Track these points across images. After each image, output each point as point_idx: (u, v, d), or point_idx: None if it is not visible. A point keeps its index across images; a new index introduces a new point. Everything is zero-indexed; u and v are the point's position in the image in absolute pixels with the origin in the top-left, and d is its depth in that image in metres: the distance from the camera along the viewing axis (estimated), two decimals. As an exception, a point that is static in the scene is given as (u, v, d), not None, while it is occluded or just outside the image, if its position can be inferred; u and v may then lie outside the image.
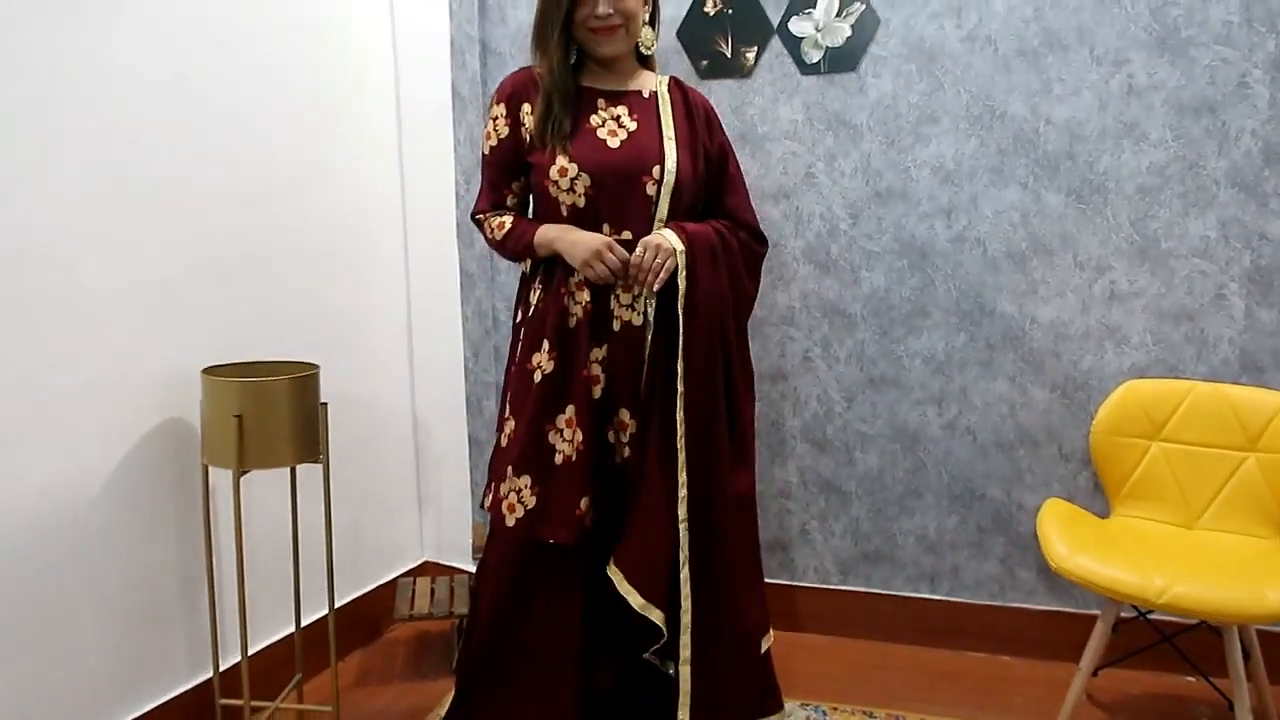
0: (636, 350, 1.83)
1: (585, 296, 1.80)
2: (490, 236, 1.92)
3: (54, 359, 1.71)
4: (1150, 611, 2.07)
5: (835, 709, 2.20)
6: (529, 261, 1.89)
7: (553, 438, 1.79)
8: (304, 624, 2.17)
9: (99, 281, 1.79)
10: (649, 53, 1.92)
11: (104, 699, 1.85)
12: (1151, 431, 2.14)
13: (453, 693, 1.97)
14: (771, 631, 2.02)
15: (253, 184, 2.12)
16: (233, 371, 1.93)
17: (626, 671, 1.94)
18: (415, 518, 2.79)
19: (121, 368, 1.84)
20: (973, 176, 2.33)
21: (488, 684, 1.90)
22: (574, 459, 1.77)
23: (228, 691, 1.98)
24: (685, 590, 1.80)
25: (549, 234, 1.82)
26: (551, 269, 1.84)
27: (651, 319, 1.82)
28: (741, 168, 2.03)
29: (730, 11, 2.43)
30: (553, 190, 1.80)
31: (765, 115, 2.45)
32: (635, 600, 1.78)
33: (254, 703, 1.92)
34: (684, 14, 2.47)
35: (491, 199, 1.92)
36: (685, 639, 1.81)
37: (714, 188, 1.93)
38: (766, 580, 2.18)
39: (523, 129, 1.84)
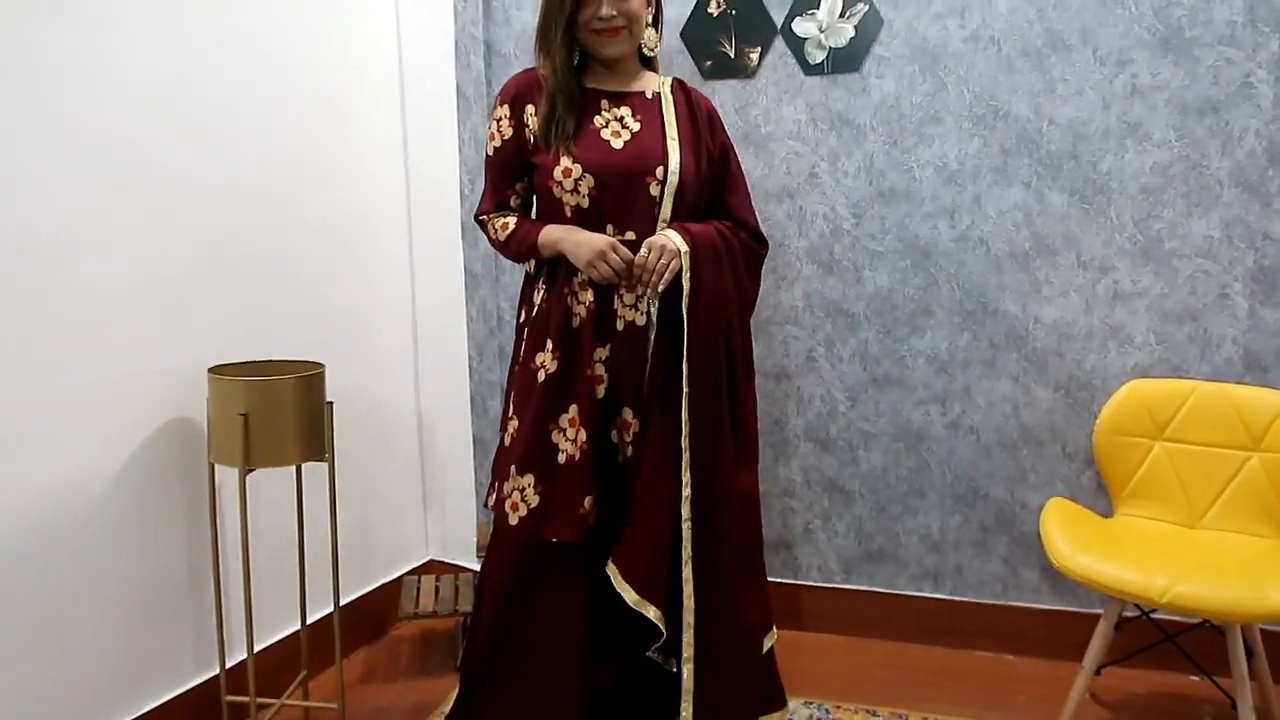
0: (640, 350, 1.84)
1: (589, 296, 1.81)
2: (494, 237, 1.93)
3: (60, 358, 1.73)
4: (1153, 610, 2.08)
5: (839, 707, 2.21)
6: (533, 262, 1.90)
7: (556, 437, 1.80)
8: (309, 621, 2.18)
9: (105, 281, 1.80)
10: (652, 54, 1.92)
11: (111, 695, 1.86)
12: (1155, 431, 2.14)
13: (456, 690, 1.98)
14: (775, 629, 2.03)
15: (258, 184, 2.13)
16: (239, 371, 1.94)
17: (631, 671, 1.95)
18: (420, 516, 2.80)
19: (128, 367, 1.85)
20: (976, 176, 2.33)
21: (491, 682, 1.91)
22: (577, 458, 1.78)
23: (234, 688, 1.99)
24: (688, 589, 1.81)
25: (553, 234, 1.82)
26: (555, 269, 1.85)
27: (654, 319, 1.83)
28: (744, 168, 2.04)
29: (734, 12, 2.43)
30: (557, 191, 1.81)
31: (769, 115, 2.46)
32: (630, 597, 1.79)
33: (260, 699, 1.93)
34: (688, 15, 2.47)
35: (495, 200, 1.93)
36: (688, 637, 1.82)
37: (716, 188, 1.94)
38: (770, 579, 2.18)
39: (526, 130, 1.85)
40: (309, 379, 1.87)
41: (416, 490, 2.78)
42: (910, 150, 2.37)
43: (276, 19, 2.16)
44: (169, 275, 1.93)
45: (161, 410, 1.92)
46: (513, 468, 1.81)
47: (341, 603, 2.07)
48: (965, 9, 2.28)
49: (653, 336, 1.83)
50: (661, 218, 1.83)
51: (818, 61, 2.40)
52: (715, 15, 2.45)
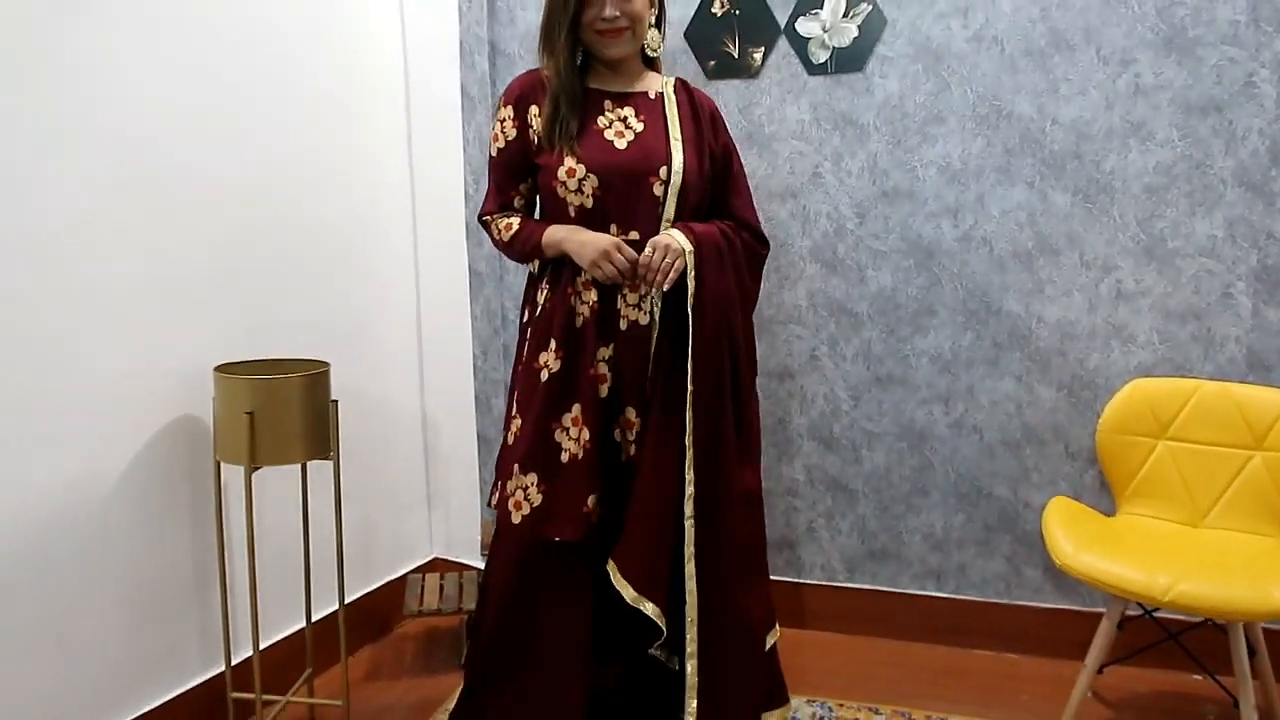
0: (643, 349, 1.84)
1: (592, 296, 1.82)
2: (497, 238, 1.93)
3: (67, 357, 1.74)
4: (1156, 609, 2.08)
5: (842, 705, 2.22)
6: (537, 262, 1.91)
7: (559, 436, 1.80)
8: (315, 619, 2.19)
9: (112, 280, 1.81)
10: (655, 55, 1.93)
11: (118, 691, 1.88)
12: (1158, 430, 2.14)
13: (460, 688, 1.99)
14: (778, 627, 2.03)
15: (264, 183, 2.14)
16: (244, 369, 1.95)
17: (633, 669, 1.96)
18: (424, 514, 2.81)
19: (134, 366, 1.87)
20: (979, 176, 2.34)
21: (494, 680, 1.91)
22: (580, 457, 1.79)
23: (239, 685, 2.01)
24: (691, 586, 1.82)
25: (557, 234, 1.83)
26: (559, 269, 1.85)
27: (658, 318, 1.84)
28: (748, 168, 2.04)
29: (737, 12, 2.44)
30: (561, 191, 1.82)
31: (772, 115, 2.47)
32: (628, 594, 1.79)
33: (265, 696, 1.95)
34: (691, 15, 2.48)
35: (499, 200, 1.94)
36: (692, 633, 1.83)
37: (718, 188, 1.94)
38: (773, 578, 2.19)
39: (530, 131, 1.86)
40: (314, 378, 1.88)
41: (421, 489, 2.79)
42: (913, 150, 2.37)
43: (281, 19, 2.17)
44: (175, 275, 1.94)
45: (167, 409, 1.93)
46: (516, 466, 1.82)
47: (346, 600, 2.08)
48: (969, 9, 2.29)
49: (655, 336, 1.84)
50: (665, 217, 1.83)
51: (821, 61, 2.40)
52: (719, 15, 2.46)
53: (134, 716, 1.90)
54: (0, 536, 1.65)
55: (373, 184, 2.51)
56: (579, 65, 1.85)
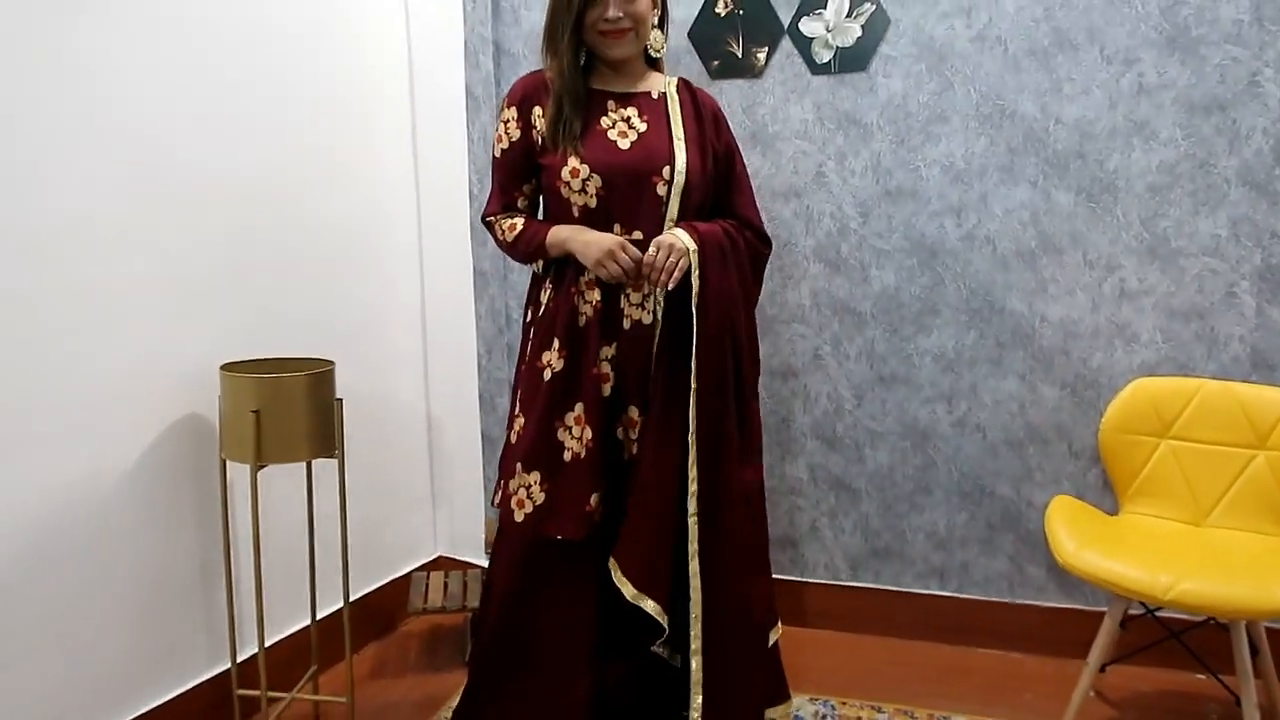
0: (646, 348, 1.85)
1: (595, 295, 1.83)
2: (501, 239, 1.94)
3: (74, 356, 1.75)
4: (1158, 608, 2.08)
5: (844, 704, 2.22)
6: (541, 261, 1.91)
7: (562, 435, 1.81)
8: (320, 616, 2.21)
9: (118, 279, 1.82)
10: (658, 55, 1.94)
11: (124, 688, 1.89)
12: (1161, 429, 2.15)
13: (464, 685, 2.00)
14: (780, 624, 2.04)
15: (269, 183, 2.15)
16: (250, 368, 1.96)
17: (637, 667, 1.97)
18: (429, 513, 2.82)
19: (141, 364, 1.88)
20: (983, 175, 2.34)
21: (498, 678, 1.92)
22: (583, 456, 1.80)
23: (245, 682, 2.02)
24: (695, 583, 1.83)
25: (561, 234, 1.84)
26: (563, 269, 1.86)
27: (661, 317, 1.84)
28: (751, 168, 2.05)
29: (741, 12, 2.45)
30: (564, 191, 1.83)
31: (776, 115, 2.47)
32: (628, 591, 1.80)
33: (271, 693, 1.96)
34: (695, 15, 2.49)
35: (502, 201, 1.94)
36: (696, 629, 1.84)
37: (721, 187, 1.95)
38: (777, 576, 2.20)
39: (534, 131, 1.87)
40: (319, 376, 1.89)
41: (425, 487, 2.80)
42: (917, 149, 2.38)
43: (286, 19, 2.18)
44: (181, 274, 1.95)
45: (173, 407, 1.95)
46: (518, 465, 1.83)
47: (351, 598, 2.09)
48: (972, 8, 2.29)
49: (658, 335, 1.85)
50: (668, 217, 1.84)
51: (825, 61, 2.41)
52: (723, 15, 2.46)
53: (140, 713, 1.91)
54: (6, 535, 1.66)
55: (377, 183, 2.52)
56: (582, 66, 1.86)
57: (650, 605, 1.80)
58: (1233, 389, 2.11)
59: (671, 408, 1.81)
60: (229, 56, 2.03)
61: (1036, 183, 2.30)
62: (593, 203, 1.82)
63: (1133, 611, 2.09)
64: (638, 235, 1.83)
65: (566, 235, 1.83)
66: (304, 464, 2.08)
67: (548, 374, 1.82)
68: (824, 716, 2.17)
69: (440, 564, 2.82)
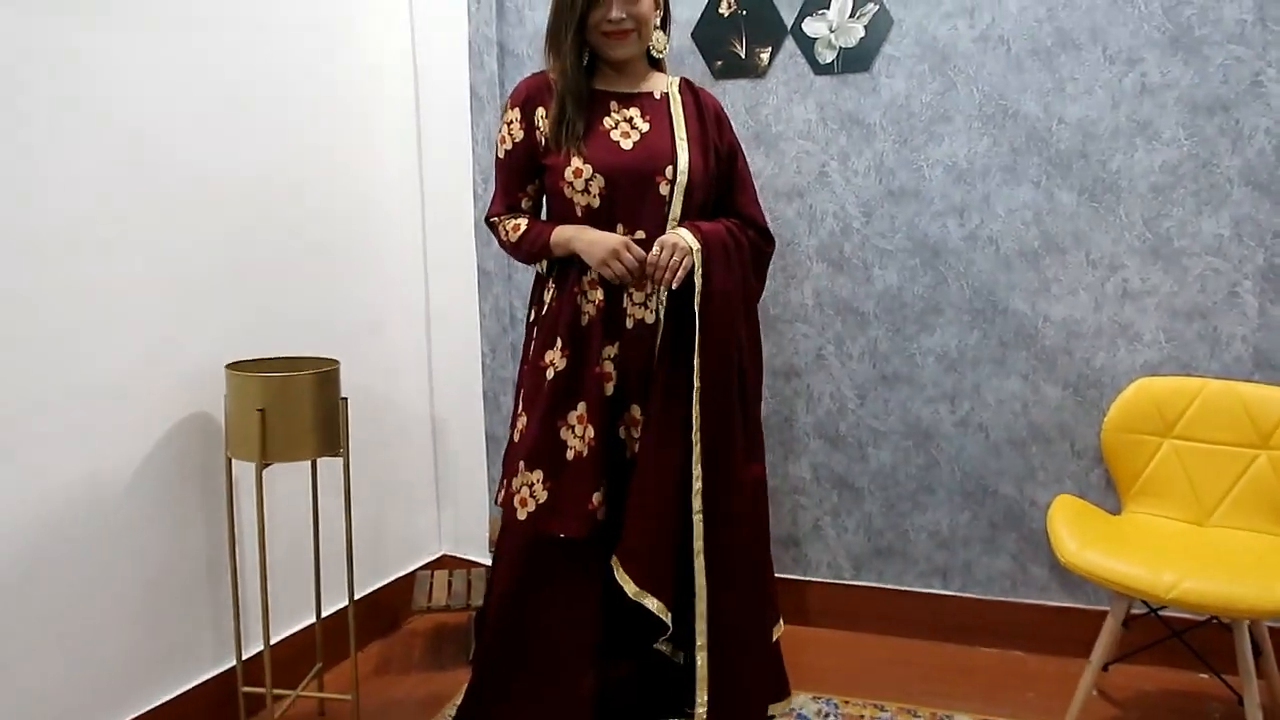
0: (649, 347, 1.86)
1: (598, 295, 1.84)
2: (505, 239, 1.95)
3: (80, 355, 1.76)
4: (1161, 607, 2.08)
5: (847, 702, 2.23)
6: (544, 261, 1.92)
7: (564, 433, 1.82)
8: (324, 614, 2.22)
9: (125, 279, 1.83)
10: (660, 56, 1.94)
11: (131, 685, 1.90)
12: (1163, 429, 2.15)
13: (468, 683, 2.01)
14: (781, 621, 2.05)
15: (274, 183, 2.16)
16: (256, 367, 1.97)
17: (641, 665, 1.98)
18: (433, 511, 2.83)
19: (147, 363, 1.89)
20: (985, 175, 2.34)
21: (501, 675, 1.93)
22: (585, 454, 1.80)
23: (251, 679, 2.03)
24: (700, 579, 1.84)
25: (565, 234, 1.85)
26: (566, 268, 1.87)
27: (663, 317, 1.85)
28: (755, 167, 2.06)
29: (744, 13, 2.45)
30: (568, 191, 1.84)
31: (779, 115, 2.48)
32: (629, 588, 1.81)
33: (276, 690, 1.96)
34: (699, 15, 2.49)
35: (506, 202, 1.95)
36: (701, 625, 1.85)
37: (724, 186, 1.96)
38: (780, 575, 2.20)
39: (537, 132, 1.88)
40: (324, 375, 1.90)
41: (430, 486, 2.81)
42: (920, 149, 2.38)
43: (291, 19, 2.19)
44: (188, 274, 1.96)
45: (179, 406, 1.96)
46: (521, 463, 1.84)
47: (356, 596, 2.10)
48: (975, 8, 2.29)
49: (660, 333, 1.86)
50: (671, 217, 1.85)
51: (828, 61, 2.41)
52: (726, 15, 2.47)
53: (146, 710, 1.92)
54: (13, 532, 1.67)
55: (382, 183, 2.53)
56: (585, 66, 1.87)
57: (652, 603, 1.81)
58: (1235, 389, 2.11)
59: (673, 406, 1.82)
60: (233, 57, 2.04)
61: (1039, 183, 2.31)
62: (596, 203, 1.83)
63: (1135, 611, 2.09)
64: (640, 235, 1.84)
65: (570, 235, 1.84)
66: (309, 463, 2.09)
67: (550, 373, 1.83)
68: (827, 715, 2.17)
69: (444, 562, 2.83)
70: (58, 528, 1.74)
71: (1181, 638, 2.16)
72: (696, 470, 1.82)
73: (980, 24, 2.29)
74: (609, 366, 1.85)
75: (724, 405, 1.84)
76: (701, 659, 1.85)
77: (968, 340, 2.42)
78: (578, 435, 1.81)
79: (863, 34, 2.37)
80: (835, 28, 2.39)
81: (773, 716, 2.07)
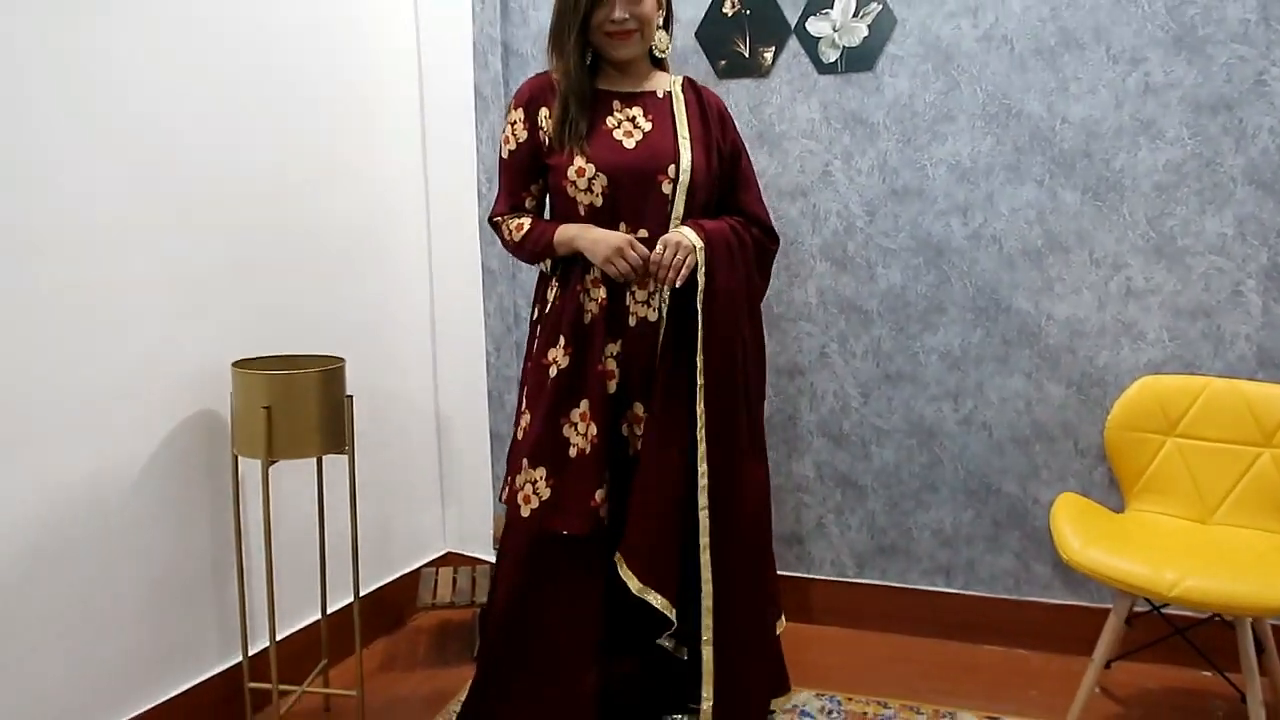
0: (651, 345, 1.87)
1: (601, 293, 1.84)
2: (508, 238, 1.95)
3: (90, 353, 1.78)
4: (1164, 605, 2.09)
5: (850, 699, 2.23)
6: (548, 260, 1.93)
7: (567, 431, 1.83)
8: (330, 611, 2.23)
9: (131, 277, 1.85)
10: (663, 55, 1.95)
11: (137, 681, 1.91)
12: (1167, 427, 2.15)
13: (472, 680, 2.02)
14: (783, 617, 2.06)
15: (280, 183, 2.17)
16: (262, 365, 1.98)
17: (646, 662, 1.99)
18: (438, 509, 2.84)
19: (154, 361, 1.90)
20: (989, 174, 2.35)
21: (505, 672, 1.94)
22: (588, 452, 1.81)
23: (256, 675, 2.04)
24: (706, 574, 1.85)
25: (569, 232, 1.85)
26: (569, 267, 1.88)
27: (665, 314, 1.86)
28: (758, 167, 2.06)
29: (748, 12, 2.46)
30: (570, 190, 1.84)
31: (783, 114, 2.48)
32: (633, 585, 1.82)
33: (282, 686, 1.98)
34: (702, 15, 2.50)
35: (510, 202, 1.96)
36: (708, 620, 1.86)
37: (727, 184, 1.96)
38: (783, 573, 2.21)
39: (541, 133, 1.88)
40: (330, 373, 1.91)
41: (434, 483, 2.82)
42: (923, 148, 2.39)
43: (298, 21, 2.20)
44: (193, 273, 1.97)
45: (186, 403, 1.97)
46: (525, 461, 1.85)
47: (361, 593, 2.10)
48: (978, 8, 2.29)
49: (663, 331, 1.86)
50: (674, 216, 1.85)
51: (831, 61, 2.42)
52: (730, 15, 2.48)
53: (153, 705, 1.94)
54: (20, 529, 1.68)
55: (387, 183, 2.54)
56: (588, 66, 1.88)
57: (656, 599, 1.82)
58: (1239, 387, 2.11)
59: (675, 404, 1.83)
60: (237, 58, 2.05)
61: (1043, 182, 2.31)
62: (599, 202, 1.84)
63: (1138, 608, 2.09)
64: (643, 233, 1.85)
65: (574, 233, 1.84)
66: (315, 460, 2.10)
67: (553, 371, 1.84)
68: (830, 712, 2.18)
69: (449, 560, 2.84)
70: (64, 525, 1.75)
71: (1184, 635, 2.16)
72: (702, 467, 1.83)
73: (984, 23, 2.30)
74: (611, 364, 1.86)
75: (729, 402, 1.85)
76: (707, 653, 1.86)
77: (971, 339, 2.42)
78: (580, 433, 1.82)
79: (866, 33, 2.38)
80: (839, 27, 2.40)
81: (773, 711, 2.08)
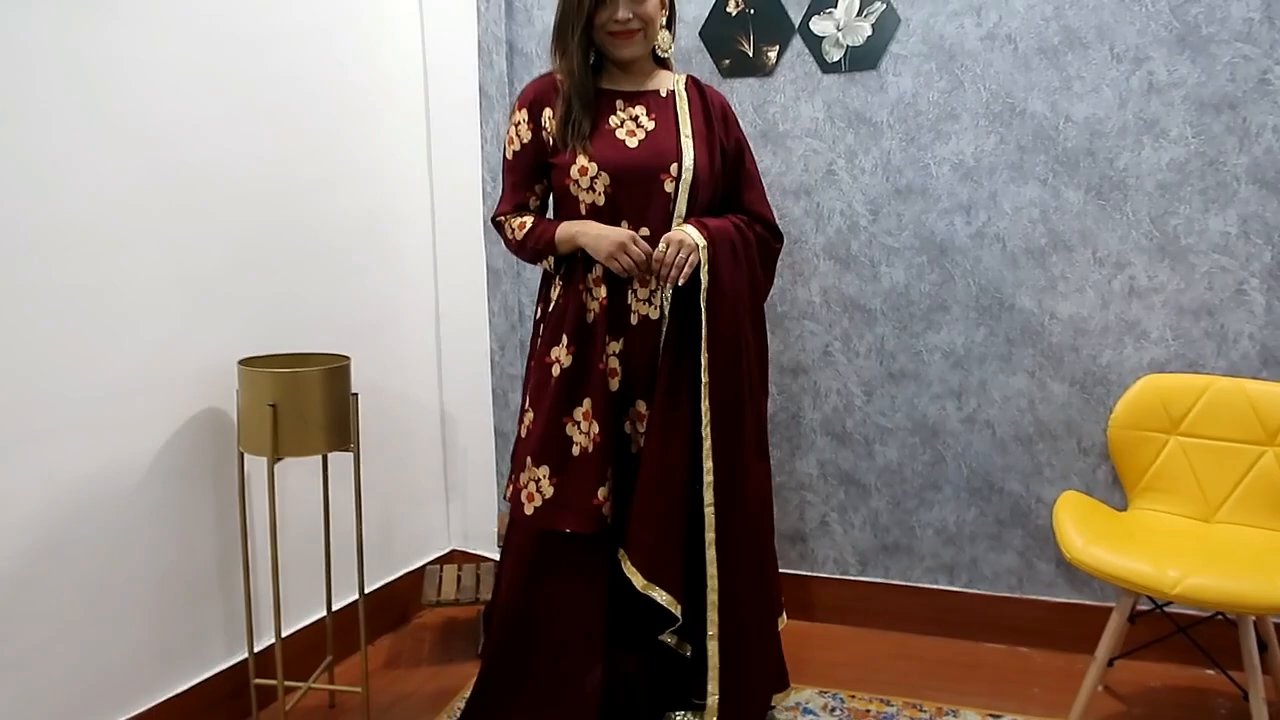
0: (653, 343, 1.87)
1: (603, 292, 1.85)
2: (511, 237, 1.96)
3: (97, 350, 1.79)
4: (1167, 603, 2.09)
5: (853, 696, 2.24)
6: (551, 260, 1.93)
7: (570, 429, 1.84)
8: (335, 608, 2.24)
9: (138, 276, 1.86)
10: (666, 55, 1.96)
11: (145, 677, 1.93)
12: (1170, 426, 2.15)
13: (476, 676, 2.03)
14: (785, 613, 2.07)
15: (286, 181, 2.18)
16: (268, 363, 1.99)
17: (649, 659, 1.99)
18: (443, 507, 2.85)
19: (161, 359, 1.91)
20: (992, 173, 2.35)
21: (509, 669, 1.95)
22: (590, 450, 1.82)
23: (262, 671, 2.05)
24: (711, 570, 1.85)
25: (570, 229, 1.86)
26: (572, 265, 1.89)
27: (668, 313, 1.87)
28: (762, 166, 2.06)
29: (752, 11, 2.46)
30: (573, 189, 1.85)
31: (786, 113, 2.49)
32: (638, 581, 1.83)
33: (287, 683, 1.99)
34: (706, 14, 2.50)
35: (514, 202, 1.96)
36: (712, 615, 1.86)
37: (731, 183, 1.97)
38: (786, 571, 2.22)
39: (544, 133, 1.89)
40: (335, 371, 1.92)
41: (439, 481, 2.83)
42: (927, 147, 2.39)
43: (302, 19, 2.21)
44: (200, 272, 1.98)
45: (192, 401, 1.98)
46: (528, 459, 1.86)
47: (366, 590, 2.12)
48: (982, 7, 2.30)
49: (664, 330, 1.87)
50: (676, 214, 1.86)
51: (835, 60, 2.42)
52: (734, 14, 2.48)
53: (159, 701, 1.95)
54: (29, 526, 1.70)
55: (392, 181, 2.55)
56: (591, 65, 1.88)
57: (661, 595, 1.82)
58: (1242, 386, 2.11)
59: (678, 402, 1.83)
60: (244, 57, 2.06)
61: (1046, 180, 2.31)
62: (601, 200, 1.84)
63: (1141, 607, 2.10)
64: (645, 232, 1.85)
65: (576, 230, 1.85)
66: (320, 457, 2.11)
67: (556, 369, 1.84)
68: (833, 709, 2.19)
69: (454, 557, 2.85)
70: (70, 521, 1.77)
71: (1187, 633, 2.16)
72: (708, 464, 1.84)
73: (987, 22, 2.30)
74: (614, 362, 1.86)
75: (734, 400, 1.85)
76: (713, 648, 1.87)
77: (974, 337, 2.43)
78: (583, 431, 1.83)
79: (870, 33, 2.38)
80: (842, 26, 2.40)
81: (774, 707, 2.09)
